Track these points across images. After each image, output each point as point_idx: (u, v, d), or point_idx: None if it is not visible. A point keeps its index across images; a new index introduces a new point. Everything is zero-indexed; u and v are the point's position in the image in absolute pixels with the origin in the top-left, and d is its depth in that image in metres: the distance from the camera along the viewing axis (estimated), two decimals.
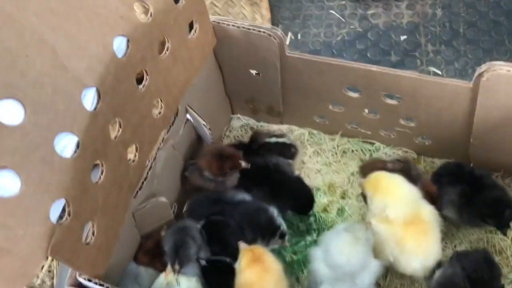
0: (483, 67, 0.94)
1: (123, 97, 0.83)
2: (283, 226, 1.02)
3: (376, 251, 0.98)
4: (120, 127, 0.85)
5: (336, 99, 1.16)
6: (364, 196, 1.07)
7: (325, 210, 1.18)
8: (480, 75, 0.95)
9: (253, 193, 1.07)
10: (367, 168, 1.10)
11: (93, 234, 0.79)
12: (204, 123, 1.09)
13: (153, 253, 0.97)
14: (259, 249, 0.94)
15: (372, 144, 1.26)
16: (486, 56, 1.45)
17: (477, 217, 1.03)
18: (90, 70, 0.77)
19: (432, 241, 0.98)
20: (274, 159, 1.12)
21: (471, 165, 1.14)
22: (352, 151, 1.26)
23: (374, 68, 1.05)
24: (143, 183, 0.94)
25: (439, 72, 1.45)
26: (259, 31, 1.04)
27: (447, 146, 1.17)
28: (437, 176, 1.12)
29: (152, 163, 0.97)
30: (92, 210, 0.78)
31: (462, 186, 1.06)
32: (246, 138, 1.29)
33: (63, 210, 0.74)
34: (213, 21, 1.06)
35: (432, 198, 1.04)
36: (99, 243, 0.80)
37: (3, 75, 0.64)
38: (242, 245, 0.93)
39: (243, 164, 1.05)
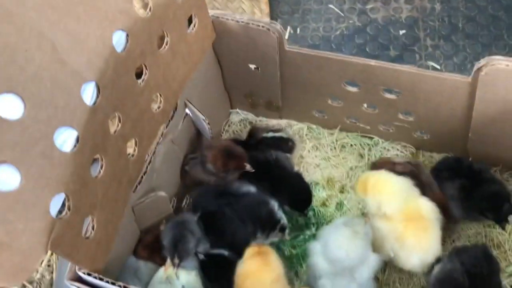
0: (482, 61, 0.94)
1: (122, 91, 0.83)
2: (284, 220, 1.02)
3: (376, 247, 0.98)
4: (120, 121, 0.85)
5: (335, 93, 1.16)
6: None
7: (324, 204, 1.19)
8: (479, 69, 0.95)
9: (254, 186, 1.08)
10: (376, 167, 1.09)
11: (92, 228, 0.80)
12: (203, 117, 1.09)
13: (152, 248, 0.98)
14: (266, 247, 0.94)
15: (371, 138, 1.26)
16: (485, 50, 1.45)
17: (476, 212, 1.04)
18: (89, 64, 0.77)
19: (432, 238, 0.99)
20: (274, 154, 1.12)
21: (470, 159, 1.14)
22: (351, 145, 1.26)
23: (373, 62, 1.05)
24: (142, 177, 0.94)
25: (438, 67, 1.45)
26: (258, 25, 1.04)
27: (445, 141, 1.18)
28: (436, 171, 1.13)
29: (151, 157, 0.97)
30: (92, 204, 0.78)
31: (461, 180, 1.07)
32: (245, 133, 1.29)
33: (63, 204, 0.74)
34: (212, 16, 1.06)
35: (442, 206, 1.02)
36: (98, 238, 0.80)
37: (2, 69, 0.64)
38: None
39: (248, 167, 1.05)
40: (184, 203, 1.16)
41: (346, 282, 0.95)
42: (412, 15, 1.56)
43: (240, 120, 1.33)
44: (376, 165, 1.12)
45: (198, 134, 1.19)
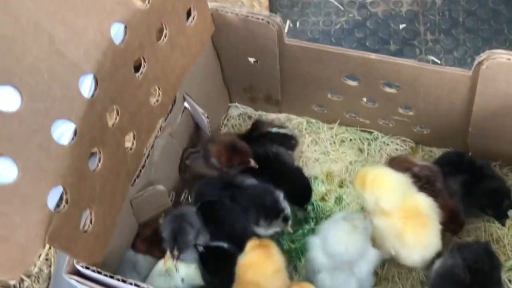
0: (483, 55, 0.94)
1: (120, 84, 0.82)
2: (287, 210, 1.02)
3: (377, 245, 0.98)
4: (118, 114, 0.84)
5: (335, 87, 1.16)
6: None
7: (323, 199, 1.18)
8: (480, 63, 0.95)
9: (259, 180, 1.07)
10: (394, 164, 1.07)
11: (90, 222, 0.79)
12: (202, 111, 1.09)
13: (151, 241, 0.97)
14: (268, 241, 0.94)
15: (371, 133, 1.25)
16: (485, 45, 1.44)
17: (476, 207, 1.04)
18: (87, 56, 0.76)
19: (431, 234, 0.98)
20: (275, 149, 1.12)
21: (469, 154, 1.14)
22: (350, 140, 1.26)
23: (373, 56, 1.05)
24: (140, 171, 0.94)
25: (438, 61, 1.44)
26: (258, 18, 1.03)
27: (445, 135, 1.17)
28: (437, 166, 1.12)
29: (149, 151, 0.96)
30: (90, 197, 0.78)
31: (463, 176, 1.06)
32: (244, 127, 1.29)
33: (61, 198, 0.73)
34: (211, 8, 1.05)
35: (453, 214, 1.02)
36: (96, 231, 0.80)
37: None
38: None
39: (252, 163, 1.05)
40: (182, 197, 1.16)
41: (345, 276, 0.95)
42: (412, 9, 1.55)
43: (239, 114, 1.33)
44: (394, 161, 1.09)
45: (196, 128, 1.19)
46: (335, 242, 0.94)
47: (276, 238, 1.09)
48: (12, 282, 1.13)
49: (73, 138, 0.73)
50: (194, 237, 0.95)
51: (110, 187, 0.83)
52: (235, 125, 1.31)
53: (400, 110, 1.15)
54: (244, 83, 1.24)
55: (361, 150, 1.24)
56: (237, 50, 1.13)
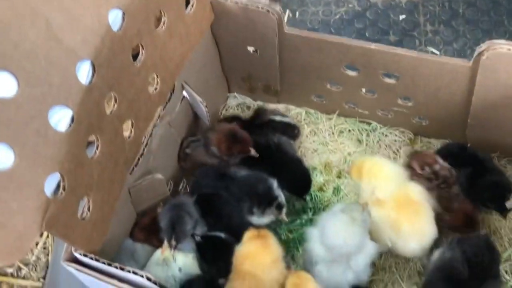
0: (483, 45, 0.93)
1: (118, 71, 0.82)
2: (281, 198, 1.02)
3: (374, 238, 0.98)
4: (116, 101, 0.83)
5: (334, 78, 1.15)
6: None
7: (321, 189, 1.18)
8: (480, 53, 0.94)
9: (254, 170, 1.07)
10: (416, 157, 1.06)
11: (88, 209, 0.79)
12: (201, 100, 1.08)
13: (149, 230, 0.97)
14: (266, 231, 0.94)
15: (369, 124, 1.25)
16: (485, 36, 1.44)
17: (478, 201, 1.03)
18: (84, 42, 0.75)
19: (425, 220, 0.99)
20: (276, 138, 1.11)
21: (470, 145, 1.13)
22: (349, 130, 1.26)
23: (373, 46, 1.04)
24: (139, 159, 0.94)
25: (437, 53, 1.44)
26: (257, 6, 1.02)
27: (444, 126, 1.17)
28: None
29: (148, 139, 0.96)
30: (88, 185, 0.78)
31: (466, 169, 1.06)
32: (248, 115, 1.27)
33: (58, 187, 0.73)
34: None
35: (469, 217, 1.01)
36: (94, 219, 0.80)
37: None
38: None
39: (252, 152, 1.05)
40: (180, 186, 1.16)
41: (342, 269, 0.95)
42: (412, 0, 1.54)
43: (237, 104, 1.32)
44: (416, 155, 1.07)
45: (195, 117, 1.18)
46: (333, 234, 0.94)
47: (274, 228, 1.09)
48: (9, 270, 1.13)
49: (70, 125, 0.73)
50: (192, 227, 0.95)
51: (108, 175, 0.83)
52: (238, 115, 1.30)
53: (399, 101, 1.15)
54: (243, 72, 1.23)
55: (359, 141, 1.24)
56: (236, 39, 1.13)
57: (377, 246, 0.98)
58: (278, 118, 1.17)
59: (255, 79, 1.24)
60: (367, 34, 1.49)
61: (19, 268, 1.13)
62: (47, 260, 1.12)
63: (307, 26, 1.52)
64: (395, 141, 1.24)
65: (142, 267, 0.95)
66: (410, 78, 1.07)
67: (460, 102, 1.08)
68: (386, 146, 1.23)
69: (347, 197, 1.17)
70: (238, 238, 0.94)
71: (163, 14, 0.91)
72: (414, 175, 1.03)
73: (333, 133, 1.26)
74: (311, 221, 1.12)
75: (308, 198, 1.15)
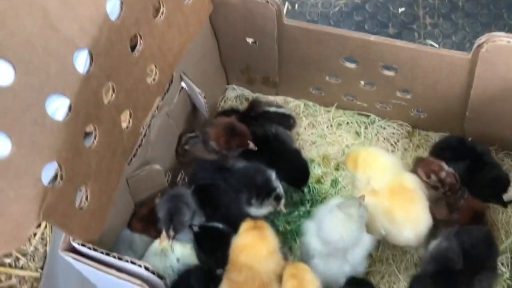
0: (483, 38, 0.93)
1: (116, 60, 0.81)
2: (280, 189, 1.02)
3: (369, 226, 0.98)
4: (114, 91, 0.83)
5: (333, 69, 1.15)
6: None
7: (319, 181, 1.18)
8: (480, 46, 0.94)
9: (252, 162, 1.07)
10: (422, 164, 1.05)
11: (86, 199, 0.79)
12: (199, 91, 1.08)
13: (147, 220, 0.97)
14: (262, 222, 0.94)
15: (368, 116, 1.25)
16: (484, 30, 1.43)
17: (478, 195, 1.03)
18: (82, 31, 0.75)
19: (419, 208, 0.99)
20: (274, 129, 1.11)
21: (469, 139, 1.13)
22: (347, 123, 1.26)
23: (372, 38, 1.04)
24: (137, 150, 0.93)
25: (436, 46, 1.43)
26: None
27: (442, 119, 1.17)
28: (437, 150, 1.12)
29: (146, 130, 0.95)
30: (85, 174, 0.77)
31: (465, 162, 1.06)
32: (244, 107, 1.27)
33: (56, 176, 0.73)
34: None
35: (478, 214, 1.00)
36: (92, 208, 0.80)
37: None
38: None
39: (251, 145, 1.05)
40: (179, 178, 1.16)
41: (339, 262, 0.95)
42: None
43: (236, 96, 1.32)
44: (422, 162, 1.06)
45: (193, 109, 1.18)
46: (330, 231, 0.94)
47: (271, 220, 1.10)
48: (7, 261, 1.13)
49: (67, 114, 0.72)
50: (190, 218, 0.95)
51: (106, 165, 0.83)
52: (234, 107, 1.30)
53: (398, 94, 1.15)
54: (242, 64, 1.23)
55: (357, 134, 1.24)
56: (235, 30, 1.12)
57: (374, 239, 0.98)
58: (273, 109, 1.17)
59: (253, 70, 1.23)
60: (366, 27, 1.49)
61: (17, 259, 1.13)
62: (45, 251, 1.12)
63: (306, 18, 1.51)
64: (393, 133, 1.24)
65: (140, 258, 0.95)
66: (409, 71, 1.07)
67: (459, 95, 1.07)
68: (384, 138, 1.23)
69: (344, 189, 1.17)
70: (236, 228, 0.94)
71: (161, 4, 0.90)
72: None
73: (331, 126, 1.26)
74: (308, 213, 1.12)
75: (306, 190, 1.15)
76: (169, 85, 1.01)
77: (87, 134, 0.79)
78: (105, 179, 0.83)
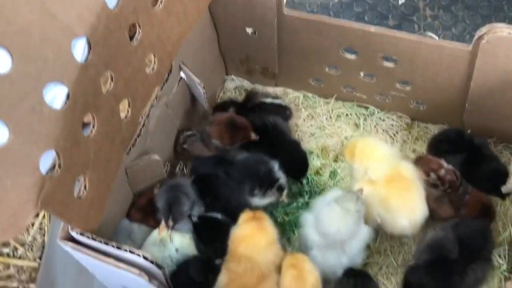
0: (484, 29, 0.93)
1: (115, 49, 0.80)
2: (282, 180, 1.02)
3: (365, 214, 0.98)
4: (112, 80, 0.82)
5: (333, 61, 1.15)
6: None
7: (317, 173, 1.18)
8: (480, 37, 0.94)
9: (251, 152, 1.07)
10: (421, 163, 1.04)
11: (85, 188, 0.78)
12: (199, 81, 1.07)
13: (146, 210, 0.97)
14: (261, 213, 0.94)
15: (367, 108, 1.25)
16: (485, 22, 1.42)
17: (477, 188, 1.03)
18: (80, 19, 0.74)
19: (415, 197, 0.99)
20: (272, 119, 1.11)
21: (469, 131, 1.13)
22: (347, 115, 1.25)
23: (372, 29, 1.03)
24: (136, 139, 0.93)
25: (436, 38, 1.43)
26: None
27: (441, 111, 1.17)
28: (436, 142, 1.12)
29: (145, 120, 0.95)
30: (84, 163, 0.77)
31: (462, 155, 1.06)
32: (242, 99, 1.27)
33: (54, 166, 0.72)
34: None
35: (485, 207, 1.00)
36: (91, 198, 0.79)
37: None
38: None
39: (253, 136, 1.04)
40: (177, 168, 1.16)
41: (336, 254, 0.96)
42: None
43: (235, 87, 1.31)
44: (421, 160, 1.06)
45: (193, 100, 1.17)
46: (327, 224, 0.94)
47: (270, 211, 1.10)
48: (5, 251, 1.13)
49: (66, 102, 0.72)
50: (189, 208, 0.95)
51: (105, 154, 0.82)
52: (231, 98, 1.30)
53: (398, 85, 1.15)
54: (241, 54, 1.22)
55: (357, 125, 1.24)
56: (234, 20, 1.11)
57: (372, 230, 0.98)
58: (269, 100, 1.17)
59: (253, 61, 1.23)
60: (366, 18, 1.48)
61: (15, 248, 1.13)
62: (43, 241, 1.12)
63: (305, 10, 1.50)
64: (392, 125, 1.23)
65: (139, 247, 0.95)
66: (409, 62, 1.06)
67: (459, 87, 1.07)
68: (383, 130, 1.23)
69: (343, 180, 1.17)
70: (235, 219, 0.94)
71: None
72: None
73: (330, 117, 1.25)
74: (307, 205, 1.12)
75: (304, 181, 1.15)
76: (168, 75, 1.00)
77: (85, 125, 0.78)
78: (103, 169, 0.83)
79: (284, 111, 1.16)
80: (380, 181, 1.00)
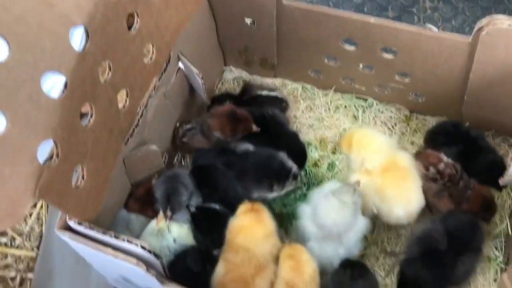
0: (484, 20, 0.93)
1: (112, 38, 0.80)
2: (294, 168, 1.02)
3: (361, 204, 0.98)
4: (110, 70, 0.82)
5: (332, 52, 1.14)
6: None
7: (315, 164, 1.18)
8: (480, 29, 0.93)
9: (252, 142, 1.07)
10: (420, 157, 1.04)
11: (82, 178, 0.78)
12: (197, 71, 1.06)
13: (144, 200, 0.97)
14: (260, 205, 0.94)
15: (365, 100, 1.25)
16: (484, 14, 1.42)
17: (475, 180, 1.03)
18: (77, 8, 0.73)
19: (411, 186, 0.99)
20: (270, 110, 1.11)
21: (467, 124, 1.13)
22: (345, 106, 1.25)
23: (372, 20, 1.03)
24: (134, 130, 0.93)
25: (436, 30, 1.42)
26: None
27: (440, 104, 1.17)
28: (432, 134, 1.12)
29: (143, 110, 0.95)
30: (82, 153, 0.77)
31: (458, 147, 1.06)
32: (238, 91, 1.27)
33: (52, 156, 0.72)
34: None
35: (487, 201, 1.00)
36: (89, 187, 0.79)
37: None
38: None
39: (254, 127, 1.04)
40: (175, 159, 1.15)
41: (334, 246, 0.96)
42: None
43: (233, 78, 1.30)
44: (421, 154, 1.06)
45: (191, 90, 1.16)
46: (324, 216, 0.94)
47: (268, 202, 1.10)
48: (3, 240, 1.13)
49: (63, 91, 0.71)
50: (188, 198, 0.95)
51: (103, 144, 0.82)
52: (230, 89, 1.29)
53: (397, 77, 1.14)
54: (240, 45, 1.21)
55: (355, 117, 1.24)
56: (233, 10, 1.10)
57: (369, 222, 0.98)
58: (265, 92, 1.16)
59: (251, 52, 1.22)
60: (365, 10, 1.47)
61: (13, 238, 1.13)
62: (41, 231, 1.12)
63: (305, 1, 1.49)
64: (391, 117, 1.23)
65: (137, 237, 0.95)
66: (408, 54, 1.06)
67: (458, 79, 1.07)
68: (381, 122, 1.23)
69: (341, 172, 1.17)
70: (233, 210, 0.94)
71: None
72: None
73: (329, 109, 1.25)
74: (305, 196, 1.12)
75: (302, 173, 1.15)
76: (166, 65, 1.00)
77: (83, 115, 0.78)
78: (101, 159, 0.83)
79: (280, 104, 1.16)
80: (376, 171, 1.00)
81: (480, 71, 1.01)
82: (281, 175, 1.01)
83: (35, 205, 1.14)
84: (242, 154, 1.03)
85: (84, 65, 0.75)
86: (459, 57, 1.02)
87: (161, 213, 0.92)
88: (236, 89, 1.28)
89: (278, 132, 1.10)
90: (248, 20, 1.13)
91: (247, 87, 1.20)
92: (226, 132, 1.05)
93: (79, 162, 0.77)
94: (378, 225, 1.08)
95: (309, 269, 0.90)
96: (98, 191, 0.84)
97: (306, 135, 1.22)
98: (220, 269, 0.90)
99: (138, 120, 0.94)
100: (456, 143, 1.07)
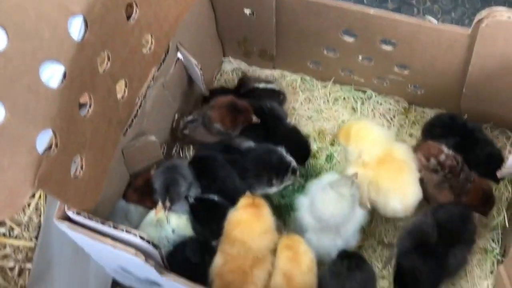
0: (483, 12, 0.92)
1: (112, 28, 0.79)
2: (293, 162, 1.03)
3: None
4: (109, 60, 0.81)
5: (331, 43, 1.14)
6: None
7: (314, 156, 1.19)
8: (480, 21, 0.93)
9: (248, 136, 1.07)
10: (421, 149, 1.04)
11: (81, 168, 0.78)
12: (196, 62, 1.06)
13: (142, 191, 0.97)
14: (260, 200, 0.94)
15: (364, 92, 1.25)
16: (484, 6, 1.40)
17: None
18: None
19: (408, 179, 0.99)
20: (269, 103, 1.11)
21: (465, 116, 1.13)
22: (344, 98, 1.25)
23: (371, 11, 1.02)
24: (132, 120, 0.92)
25: (435, 22, 1.42)
26: None
27: (439, 96, 1.17)
28: (429, 126, 1.12)
29: (142, 101, 0.94)
30: (80, 143, 0.77)
31: (455, 139, 1.06)
32: (235, 85, 1.26)
33: (50, 146, 0.72)
34: None
35: (486, 195, 1.00)
36: (88, 177, 0.79)
37: None
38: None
39: (254, 119, 1.05)
40: (174, 150, 1.15)
41: (331, 237, 0.96)
42: None
43: (232, 70, 1.30)
44: (421, 146, 1.06)
45: (189, 81, 1.16)
46: (322, 208, 0.94)
47: (266, 194, 1.10)
48: (2, 230, 1.13)
49: (62, 81, 0.71)
50: (186, 189, 0.95)
51: (101, 134, 0.82)
52: (228, 80, 1.29)
53: (396, 69, 1.14)
54: (239, 35, 1.21)
55: (354, 109, 1.24)
56: (232, 0, 1.10)
57: (366, 213, 0.99)
58: (262, 85, 1.16)
59: (250, 43, 1.22)
60: (365, 1, 1.46)
61: (12, 228, 1.13)
62: (39, 221, 1.12)
63: None
64: (390, 109, 1.23)
65: (136, 228, 0.95)
66: (407, 46, 1.06)
67: (456, 72, 1.07)
68: (380, 114, 1.23)
69: (339, 164, 1.17)
70: (231, 201, 0.94)
71: None
72: (420, 167, 1.01)
73: (328, 101, 1.25)
74: (303, 188, 1.12)
75: None
76: (165, 56, 0.99)
77: (82, 105, 0.78)
78: (100, 149, 0.83)
79: (277, 96, 1.16)
80: (373, 163, 1.00)
81: (479, 64, 1.01)
82: (280, 170, 1.02)
83: (33, 195, 1.14)
84: (245, 151, 1.04)
85: (83, 55, 0.74)
86: (458, 49, 1.02)
87: (160, 204, 0.92)
88: (235, 80, 1.28)
89: (277, 124, 1.10)
90: (247, 11, 1.12)
91: (244, 80, 1.20)
92: (226, 124, 1.05)
93: (78, 152, 0.77)
94: (375, 217, 1.09)
95: (307, 260, 0.91)
96: (97, 181, 0.84)
97: (305, 127, 1.22)
98: (218, 260, 0.91)
99: (137, 110, 0.93)
100: (453, 135, 1.07)
